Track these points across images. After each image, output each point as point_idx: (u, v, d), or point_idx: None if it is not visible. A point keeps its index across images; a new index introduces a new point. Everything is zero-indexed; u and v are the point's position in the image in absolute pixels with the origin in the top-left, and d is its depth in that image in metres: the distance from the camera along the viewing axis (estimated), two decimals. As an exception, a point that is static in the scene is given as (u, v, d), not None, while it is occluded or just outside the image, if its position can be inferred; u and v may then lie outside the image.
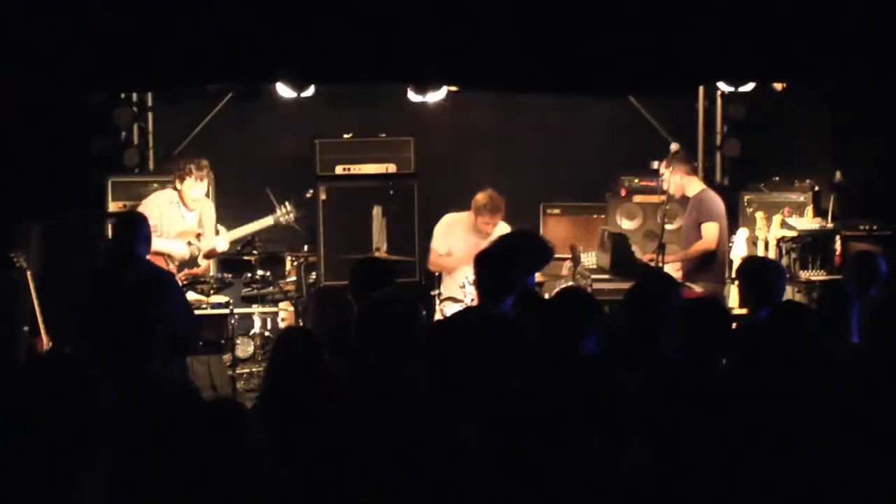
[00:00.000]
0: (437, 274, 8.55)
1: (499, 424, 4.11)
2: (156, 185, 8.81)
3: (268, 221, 8.49)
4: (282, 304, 8.66)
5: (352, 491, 3.89)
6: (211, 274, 8.34)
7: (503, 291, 5.13)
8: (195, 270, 7.99)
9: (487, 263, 5.28)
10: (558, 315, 4.79)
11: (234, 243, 8.41)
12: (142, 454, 3.92)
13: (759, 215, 8.49)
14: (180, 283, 7.49)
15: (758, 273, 5.63)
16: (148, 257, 6.91)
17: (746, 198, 9.02)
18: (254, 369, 8.50)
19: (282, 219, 8.50)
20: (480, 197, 8.15)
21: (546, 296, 7.35)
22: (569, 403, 4.23)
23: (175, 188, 7.94)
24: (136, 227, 6.25)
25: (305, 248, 8.79)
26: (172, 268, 7.72)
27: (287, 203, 8.53)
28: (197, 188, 7.92)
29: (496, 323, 4.98)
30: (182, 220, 7.97)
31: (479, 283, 5.30)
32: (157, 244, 7.51)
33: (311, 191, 8.68)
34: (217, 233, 8.24)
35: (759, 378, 4.36)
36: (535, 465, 3.97)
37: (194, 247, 7.96)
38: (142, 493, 3.78)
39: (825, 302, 5.64)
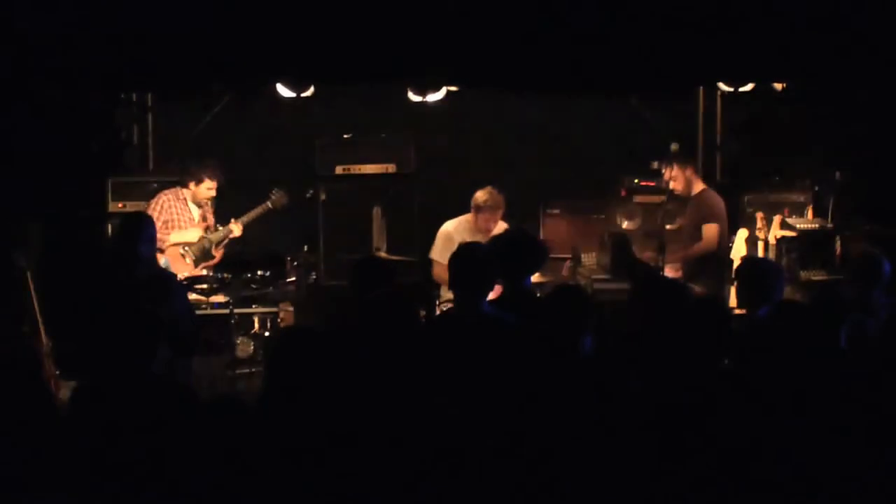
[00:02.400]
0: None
1: (496, 425, 4.12)
2: (156, 184, 8.89)
3: (266, 205, 8.63)
4: (282, 304, 8.65)
5: (351, 490, 3.89)
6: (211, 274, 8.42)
7: (478, 289, 5.12)
8: (211, 262, 8.24)
9: (462, 261, 5.28)
10: (556, 313, 4.79)
11: (245, 227, 8.58)
12: (139, 453, 3.93)
13: (759, 215, 8.48)
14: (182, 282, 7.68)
15: (756, 274, 5.63)
16: (165, 251, 7.47)
17: (746, 198, 9.00)
18: (254, 369, 8.48)
19: (275, 202, 8.61)
20: (480, 194, 8.14)
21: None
22: (567, 403, 4.23)
23: (186, 187, 8.20)
24: (140, 228, 6.30)
25: (305, 248, 8.78)
26: (189, 262, 8.05)
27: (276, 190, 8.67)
28: (211, 190, 8.32)
29: (479, 322, 4.98)
30: (190, 214, 8.35)
31: (454, 281, 5.28)
32: (173, 237, 8.20)
33: (311, 191, 8.68)
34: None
35: (759, 378, 4.36)
36: (535, 466, 3.97)
37: (205, 238, 8.21)
38: (143, 492, 3.79)
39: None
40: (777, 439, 4.09)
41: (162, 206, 8.29)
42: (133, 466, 3.83)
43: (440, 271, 8.33)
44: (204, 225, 8.39)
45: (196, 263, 8.27)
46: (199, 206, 8.40)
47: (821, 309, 5.48)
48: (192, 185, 8.33)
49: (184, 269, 8.18)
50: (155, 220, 8.11)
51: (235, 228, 8.50)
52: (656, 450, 4.10)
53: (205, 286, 7.99)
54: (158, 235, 8.08)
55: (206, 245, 8.31)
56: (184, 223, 8.35)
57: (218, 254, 8.40)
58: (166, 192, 8.43)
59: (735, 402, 4.23)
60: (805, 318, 4.84)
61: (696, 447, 4.10)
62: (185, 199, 8.36)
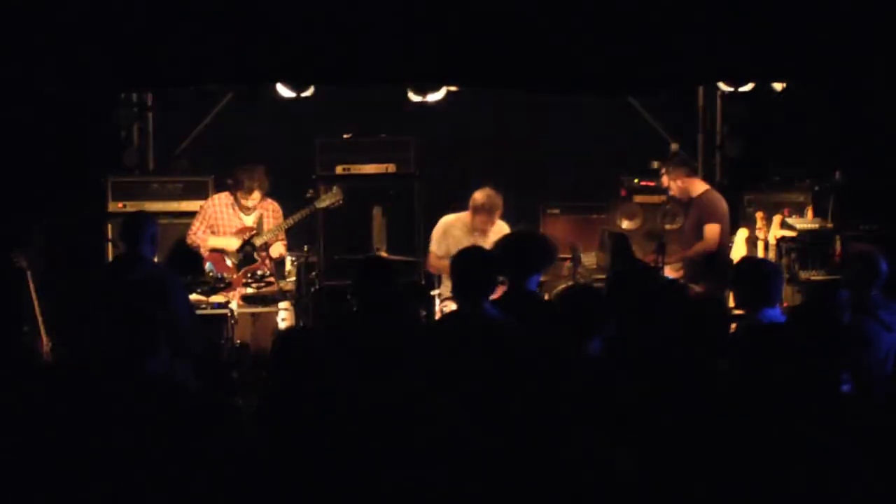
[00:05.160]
0: (437, 274, 8.55)
1: (496, 426, 4.11)
2: (155, 185, 8.93)
3: (313, 207, 8.48)
4: (282, 304, 8.66)
5: (350, 491, 3.89)
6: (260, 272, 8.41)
7: (479, 292, 5.13)
8: (254, 266, 8.22)
9: (462, 263, 5.28)
10: (565, 315, 4.78)
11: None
12: (138, 453, 3.93)
13: (759, 215, 8.49)
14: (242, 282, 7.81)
15: (754, 274, 5.63)
16: (205, 254, 7.52)
17: (746, 198, 9.01)
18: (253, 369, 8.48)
19: (327, 202, 8.45)
20: (478, 195, 8.14)
21: (546, 296, 7.32)
22: (570, 404, 4.23)
23: (231, 192, 8.23)
24: (141, 228, 6.31)
25: (305, 248, 8.77)
26: (231, 265, 8.05)
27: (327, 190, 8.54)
28: (250, 197, 8.25)
29: (479, 325, 4.98)
30: (239, 220, 8.32)
31: (455, 284, 5.30)
32: (211, 241, 8.24)
33: (311, 191, 8.67)
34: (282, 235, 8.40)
35: (759, 379, 4.36)
36: (535, 466, 3.97)
37: (248, 246, 8.19)
38: (139, 492, 3.79)
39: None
40: (776, 441, 4.09)
41: (208, 211, 8.31)
42: (130, 466, 3.83)
43: (434, 261, 8.32)
44: (244, 232, 8.30)
45: (238, 267, 8.25)
46: (248, 211, 8.35)
47: (821, 310, 5.48)
48: (238, 191, 8.31)
49: (226, 272, 8.18)
50: (200, 223, 8.21)
51: (276, 250, 8.45)
52: (655, 451, 4.10)
53: (204, 286, 8.00)
54: (200, 237, 8.19)
55: (249, 250, 8.26)
56: (229, 226, 8.32)
57: (262, 257, 8.35)
58: (218, 195, 8.44)
59: (733, 403, 4.22)
60: (805, 319, 4.84)
61: (694, 448, 4.10)
62: (232, 204, 8.33)
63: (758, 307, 5.40)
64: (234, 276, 8.21)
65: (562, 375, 4.47)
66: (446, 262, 8.21)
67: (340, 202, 8.41)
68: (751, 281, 5.55)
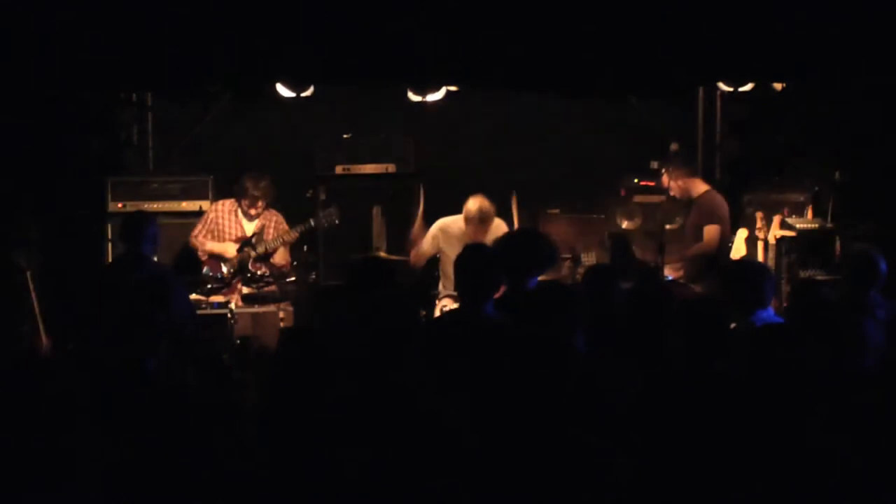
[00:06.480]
0: (436, 274, 8.53)
1: (494, 424, 4.12)
2: (155, 185, 8.93)
3: (309, 223, 8.47)
4: (282, 304, 8.66)
5: (349, 492, 3.90)
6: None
7: (481, 292, 5.12)
8: (259, 267, 8.22)
9: (467, 264, 5.27)
10: (543, 312, 4.78)
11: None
12: (138, 451, 3.93)
13: (759, 215, 8.48)
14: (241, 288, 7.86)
15: (743, 277, 5.62)
16: (203, 258, 7.57)
17: (746, 198, 9.00)
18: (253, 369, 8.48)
19: (324, 221, 8.44)
20: (471, 205, 7.94)
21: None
22: (570, 406, 4.24)
23: (236, 199, 8.23)
24: (142, 228, 6.32)
25: (305, 248, 8.78)
26: (227, 272, 8.06)
27: (329, 207, 8.51)
28: (254, 205, 8.28)
29: (478, 325, 4.97)
30: (240, 227, 8.34)
31: (458, 283, 5.29)
32: (210, 246, 8.25)
33: (311, 191, 8.67)
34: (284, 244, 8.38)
35: (758, 380, 4.37)
36: (530, 465, 3.97)
37: (245, 252, 8.19)
38: (138, 491, 3.79)
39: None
40: (775, 441, 4.10)
41: (210, 215, 8.35)
42: (130, 465, 3.83)
43: (414, 255, 8.21)
44: (244, 240, 8.30)
45: (234, 275, 8.24)
46: (250, 218, 8.36)
47: (819, 308, 5.48)
48: (243, 198, 8.31)
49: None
50: (202, 227, 8.23)
51: (280, 256, 8.46)
52: (652, 450, 4.11)
53: (204, 286, 8.01)
54: (200, 241, 8.21)
55: (245, 259, 8.27)
56: (227, 235, 8.33)
57: (256, 267, 8.34)
58: (222, 201, 8.45)
59: (730, 403, 4.23)
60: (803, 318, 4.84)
61: (692, 448, 4.10)
62: (235, 210, 8.34)
63: (751, 309, 5.40)
64: (230, 281, 8.23)
65: (561, 376, 4.47)
66: (423, 261, 8.18)
67: (336, 223, 8.41)
68: (741, 284, 5.55)
